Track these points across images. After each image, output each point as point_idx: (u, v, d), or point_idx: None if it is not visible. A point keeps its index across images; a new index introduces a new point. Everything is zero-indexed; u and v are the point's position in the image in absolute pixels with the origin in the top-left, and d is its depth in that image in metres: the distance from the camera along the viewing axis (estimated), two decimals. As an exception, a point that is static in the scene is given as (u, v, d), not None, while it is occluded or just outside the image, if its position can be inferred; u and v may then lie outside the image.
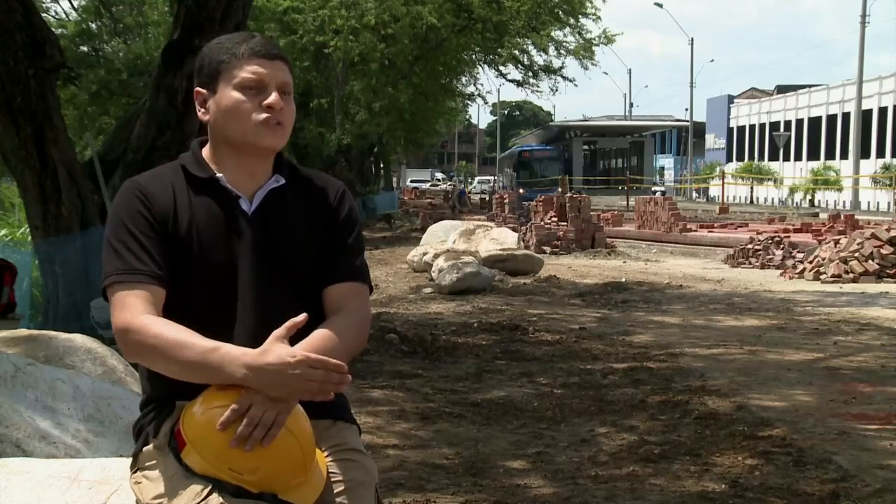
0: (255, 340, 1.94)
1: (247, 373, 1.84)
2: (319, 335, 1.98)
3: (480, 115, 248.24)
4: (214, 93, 2.04)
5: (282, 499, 1.87)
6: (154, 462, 1.97)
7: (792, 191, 45.32)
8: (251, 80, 2.01)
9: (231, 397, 1.86)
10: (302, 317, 1.90)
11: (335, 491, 1.96)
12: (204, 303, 2.00)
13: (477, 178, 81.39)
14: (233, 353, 1.86)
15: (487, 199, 41.62)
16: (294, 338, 1.94)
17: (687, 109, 58.92)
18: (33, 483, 2.36)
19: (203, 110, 2.07)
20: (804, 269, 14.72)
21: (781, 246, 16.91)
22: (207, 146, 2.12)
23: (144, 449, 2.01)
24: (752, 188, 49.13)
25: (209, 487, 1.84)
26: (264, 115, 2.01)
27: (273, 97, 2.02)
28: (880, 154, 42.04)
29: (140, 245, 1.97)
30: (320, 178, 2.18)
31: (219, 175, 2.06)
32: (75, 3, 22.34)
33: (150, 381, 2.06)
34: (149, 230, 1.98)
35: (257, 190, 2.08)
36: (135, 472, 2.03)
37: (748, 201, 48.61)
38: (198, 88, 2.07)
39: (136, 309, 1.92)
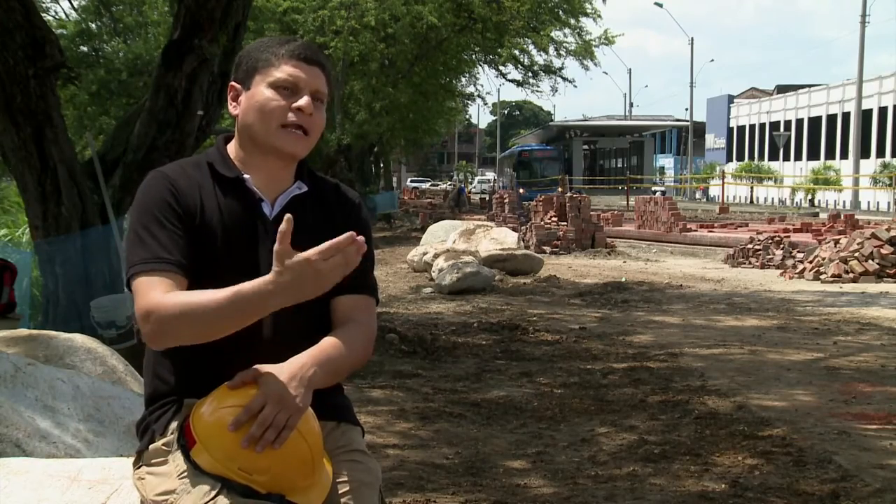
0: (270, 348, 1.95)
1: (275, 287, 1.80)
2: (329, 343, 1.99)
3: (480, 115, 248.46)
4: (248, 88, 2.05)
5: (289, 500, 1.87)
6: (160, 459, 1.97)
7: (792, 191, 45.31)
8: (286, 81, 2.02)
9: (242, 397, 1.86)
10: (287, 219, 1.80)
11: (340, 492, 1.96)
12: None
13: (477, 178, 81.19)
14: (255, 283, 1.83)
15: (487, 199, 41.62)
16: (301, 347, 1.95)
17: (687, 109, 58.97)
18: (33, 483, 2.36)
19: (234, 104, 2.09)
20: (804, 269, 14.72)
21: (781, 246, 16.90)
22: (233, 143, 2.12)
23: (151, 446, 2.01)
24: (752, 188, 49.11)
25: (218, 487, 1.84)
26: (291, 117, 2.01)
27: (304, 100, 2.02)
28: (880, 154, 42.01)
29: (166, 234, 1.96)
30: (338, 189, 2.19)
31: (245, 176, 2.06)
32: (75, 3, 22.33)
33: (157, 378, 2.06)
34: (176, 220, 1.98)
35: (280, 195, 2.08)
36: (138, 468, 2.02)
37: (748, 201, 48.57)
38: (233, 83, 2.09)
39: (157, 292, 1.89)
